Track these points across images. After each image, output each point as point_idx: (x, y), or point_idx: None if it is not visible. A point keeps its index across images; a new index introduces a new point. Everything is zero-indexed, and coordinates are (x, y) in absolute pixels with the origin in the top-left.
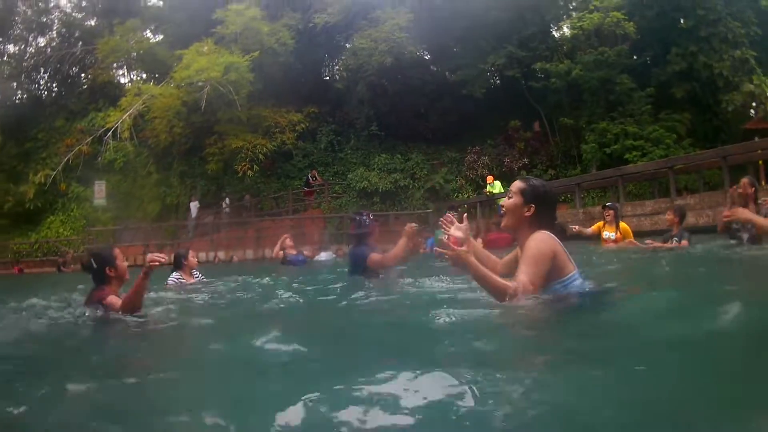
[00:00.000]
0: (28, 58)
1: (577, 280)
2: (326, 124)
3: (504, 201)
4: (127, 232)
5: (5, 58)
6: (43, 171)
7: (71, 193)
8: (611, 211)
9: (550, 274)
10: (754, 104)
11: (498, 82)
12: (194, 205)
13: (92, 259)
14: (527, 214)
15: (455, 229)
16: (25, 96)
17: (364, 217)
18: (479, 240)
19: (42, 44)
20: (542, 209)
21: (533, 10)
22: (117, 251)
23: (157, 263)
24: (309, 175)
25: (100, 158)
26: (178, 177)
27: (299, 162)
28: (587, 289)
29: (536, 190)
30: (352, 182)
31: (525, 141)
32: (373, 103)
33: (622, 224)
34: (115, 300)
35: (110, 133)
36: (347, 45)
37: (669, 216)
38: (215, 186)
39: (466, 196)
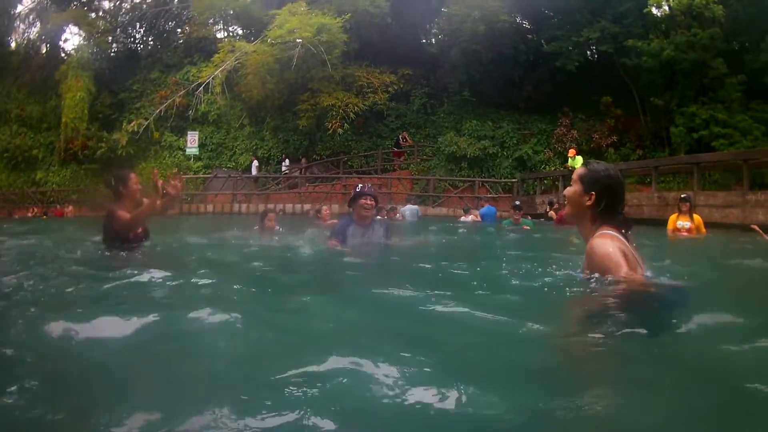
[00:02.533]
0: (123, 13)
1: None
2: (420, 86)
3: (566, 189)
4: (217, 180)
5: (101, 14)
6: (136, 120)
7: (164, 141)
8: (687, 203)
9: None
10: None
11: (594, 57)
12: (255, 165)
13: (112, 178)
14: (588, 203)
15: None
16: (120, 49)
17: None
18: (554, 215)
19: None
20: (605, 198)
21: None
22: (132, 175)
23: (172, 191)
24: (399, 137)
25: (191, 111)
26: (270, 131)
27: (392, 122)
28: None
29: (596, 175)
30: (442, 146)
31: (616, 118)
32: (467, 69)
33: (696, 215)
34: (122, 214)
35: (201, 87)
36: (443, 9)
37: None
38: (307, 141)
39: (552, 168)
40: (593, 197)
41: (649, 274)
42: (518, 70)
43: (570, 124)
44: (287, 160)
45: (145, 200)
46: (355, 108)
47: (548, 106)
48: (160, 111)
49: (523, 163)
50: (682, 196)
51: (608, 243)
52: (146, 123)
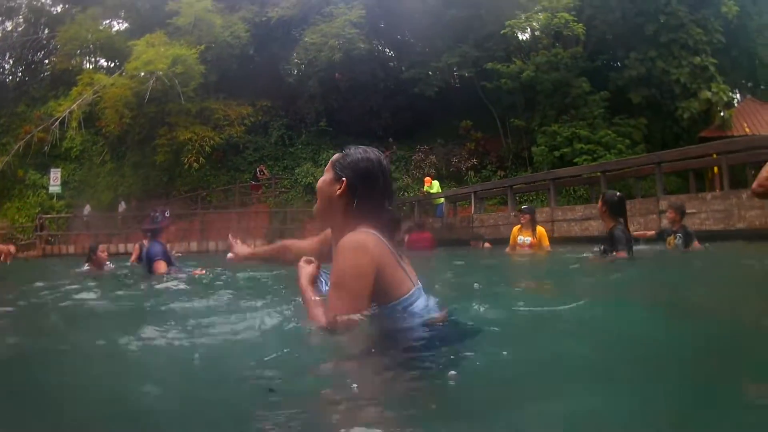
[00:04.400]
0: None
1: (418, 300)
2: (278, 118)
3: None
4: (78, 220)
5: None
6: (1, 157)
7: (28, 180)
8: (527, 215)
9: (377, 295)
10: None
11: (456, 82)
12: (122, 204)
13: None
14: (338, 192)
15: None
16: None
17: (157, 214)
18: (405, 238)
19: (9, 29)
20: (359, 186)
21: (491, 9)
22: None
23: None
24: (257, 170)
25: (46, 148)
26: (131, 167)
27: (250, 155)
28: (433, 314)
29: (350, 158)
30: (299, 177)
31: (476, 141)
32: (324, 98)
33: (539, 228)
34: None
35: (57, 122)
36: (302, 39)
37: (670, 214)
38: (167, 177)
39: (411, 194)
40: (344, 185)
41: (420, 293)
42: (377, 98)
43: (428, 149)
44: (123, 203)
45: None
46: (211, 142)
47: (409, 134)
48: (20, 147)
49: None
50: (522, 207)
51: (367, 242)
52: (6, 159)
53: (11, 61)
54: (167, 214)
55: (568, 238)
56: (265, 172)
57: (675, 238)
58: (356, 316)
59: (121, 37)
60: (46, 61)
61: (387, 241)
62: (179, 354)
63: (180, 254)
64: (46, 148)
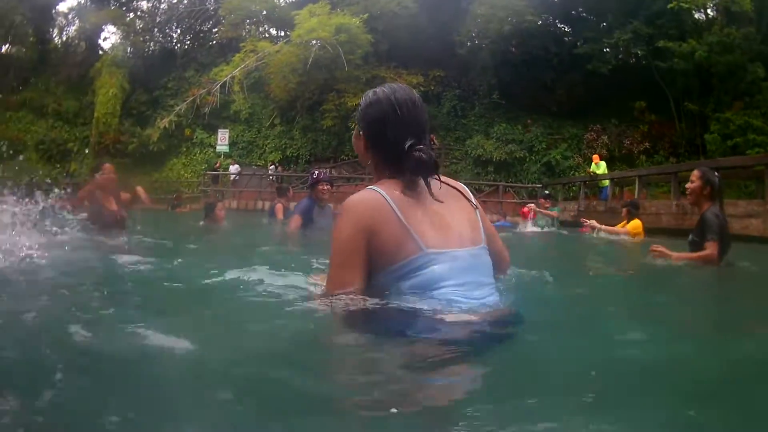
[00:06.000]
0: (160, 13)
1: (425, 268)
2: (451, 88)
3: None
4: (242, 178)
5: (138, 13)
6: (168, 116)
7: (196, 138)
8: (624, 209)
9: (374, 264)
10: None
11: (631, 60)
12: (234, 168)
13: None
14: (363, 147)
15: None
16: (156, 48)
17: (315, 172)
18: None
19: (175, 0)
20: (374, 137)
21: None
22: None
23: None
24: None
25: (206, 110)
26: (300, 130)
27: None
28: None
29: (362, 106)
30: (470, 149)
31: (649, 124)
32: (497, 71)
33: (635, 222)
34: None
35: (218, 86)
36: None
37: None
38: (336, 141)
39: (582, 174)
40: (362, 138)
41: (434, 262)
42: (550, 73)
43: (601, 129)
44: (273, 166)
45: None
46: None
47: (580, 111)
48: (180, 108)
49: (551, 169)
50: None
51: (352, 210)
52: (177, 119)
53: (179, 30)
54: (316, 175)
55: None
56: (435, 141)
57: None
58: (340, 293)
59: (289, 8)
60: (215, 30)
61: (408, 192)
62: None
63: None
64: (206, 110)
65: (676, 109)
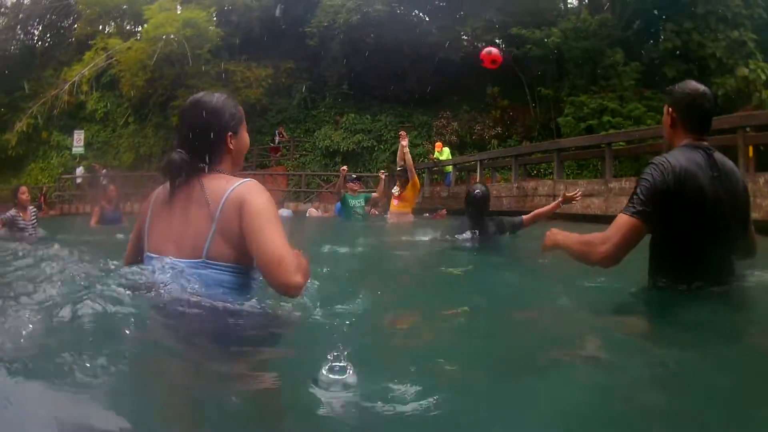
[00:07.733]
0: (24, 9)
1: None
2: (302, 80)
3: None
4: (96, 181)
5: (3, 10)
6: (26, 119)
7: (53, 141)
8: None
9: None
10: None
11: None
12: (79, 170)
13: None
14: None
15: None
16: (18, 47)
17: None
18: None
19: None
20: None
21: None
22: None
23: None
24: (276, 132)
25: (56, 110)
26: (152, 128)
27: (272, 117)
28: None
29: None
30: (317, 140)
31: (502, 109)
32: (347, 61)
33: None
34: None
35: (67, 86)
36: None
37: None
38: None
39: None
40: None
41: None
42: (402, 62)
43: (451, 116)
44: (81, 168)
45: None
46: None
47: (435, 100)
48: (34, 110)
49: None
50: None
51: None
52: (34, 122)
53: (40, 27)
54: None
55: (568, 215)
56: (284, 134)
57: None
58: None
59: (146, 3)
60: (75, 26)
61: (166, 192)
62: None
63: None
64: (56, 111)
65: (531, 95)
